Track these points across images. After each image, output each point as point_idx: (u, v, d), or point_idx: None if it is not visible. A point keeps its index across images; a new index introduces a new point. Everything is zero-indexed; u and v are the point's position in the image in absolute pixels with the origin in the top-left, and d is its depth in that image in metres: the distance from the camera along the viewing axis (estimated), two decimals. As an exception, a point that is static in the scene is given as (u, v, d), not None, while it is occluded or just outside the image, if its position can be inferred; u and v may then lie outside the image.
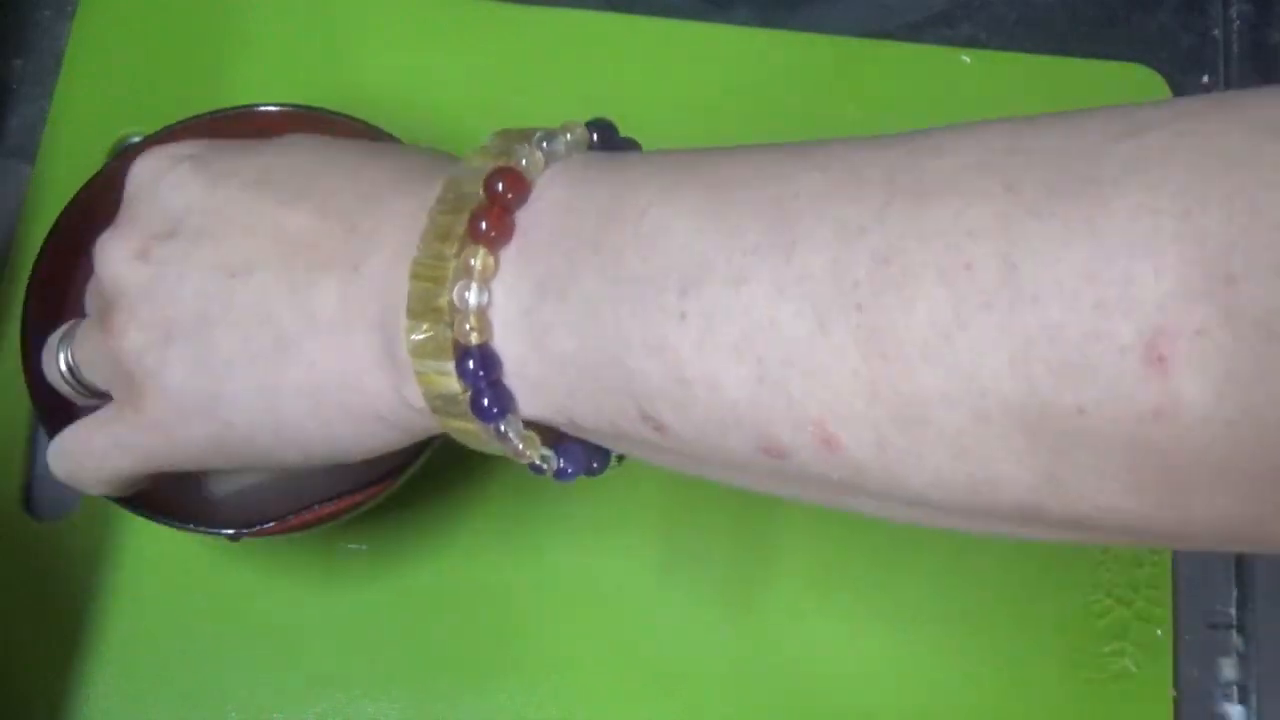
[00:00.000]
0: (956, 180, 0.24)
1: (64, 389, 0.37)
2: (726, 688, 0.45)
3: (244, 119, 0.42)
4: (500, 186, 0.28)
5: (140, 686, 0.45)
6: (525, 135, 0.30)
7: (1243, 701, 0.46)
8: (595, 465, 0.31)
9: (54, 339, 0.37)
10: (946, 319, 0.23)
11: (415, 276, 0.29)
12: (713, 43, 0.53)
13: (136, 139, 0.51)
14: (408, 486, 0.43)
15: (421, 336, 0.29)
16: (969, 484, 0.25)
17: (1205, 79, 0.53)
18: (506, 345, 0.28)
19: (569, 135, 0.30)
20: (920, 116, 0.52)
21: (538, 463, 0.30)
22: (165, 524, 0.38)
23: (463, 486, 0.47)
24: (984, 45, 0.53)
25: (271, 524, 0.38)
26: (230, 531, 0.38)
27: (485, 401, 0.28)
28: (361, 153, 0.34)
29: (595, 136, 0.31)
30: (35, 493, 0.47)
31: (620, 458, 0.32)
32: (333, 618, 0.45)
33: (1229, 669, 0.46)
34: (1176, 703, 0.45)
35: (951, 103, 0.52)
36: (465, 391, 0.29)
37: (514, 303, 0.28)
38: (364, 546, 0.46)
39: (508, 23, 0.53)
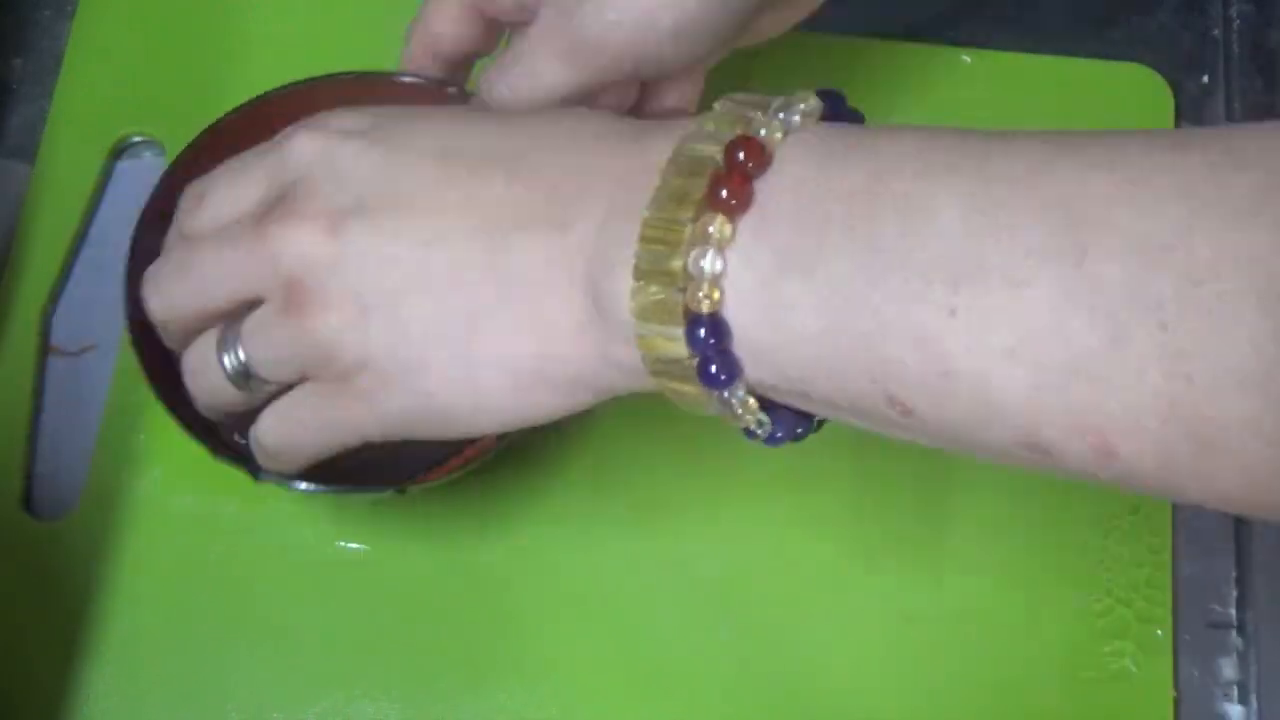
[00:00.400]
0: (1270, 199, 0.23)
1: (230, 397, 0.36)
2: (726, 688, 0.45)
3: (313, 92, 0.42)
4: (741, 155, 0.28)
5: (140, 686, 0.45)
6: (760, 103, 0.30)
7: (1243, 701, 0.46)
8: (800, 430, 0.31)
9: (204, 349, 0.36)
10: (1272, 352, 0.23)
11: (645, 239, 0.29)
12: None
13: (138, 139, 0.51)
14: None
15: (650, 299, 0.29)
16: (1250, 502, 0.25)
17: (1205, 79, 0.53)
18: (738, 314, 0.28)
19: (804, 105, 0.30)
20: (920, 117, 0.52)
21: (753, 428, 0.30)
22: (338, 491, 0.39)
23: (463, 486, 0.47)
24: (985, 45, 0.53)
25: (432, 472, 0.40)
26: (395, 487, 0.40)
27: (713, 369, 0.29)
28: (536, 118, 0.34)
29: (826, 107, 0.30)
30: (35, 492, 0.47)
31: (822, 422, 0.31)
32: (333, 617, 0.45)
33: (1229, 669, 0.46)
34: (1177, 703, 0.45)
35: (952, 103, 0.52)
36: (692, 358, 0.29)
37: (750, 274, 0.28)
38: (364, 546, 0.46)
39: (508, 23, 0.53)
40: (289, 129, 0.35)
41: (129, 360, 0.41)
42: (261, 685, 0.45)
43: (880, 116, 0.52)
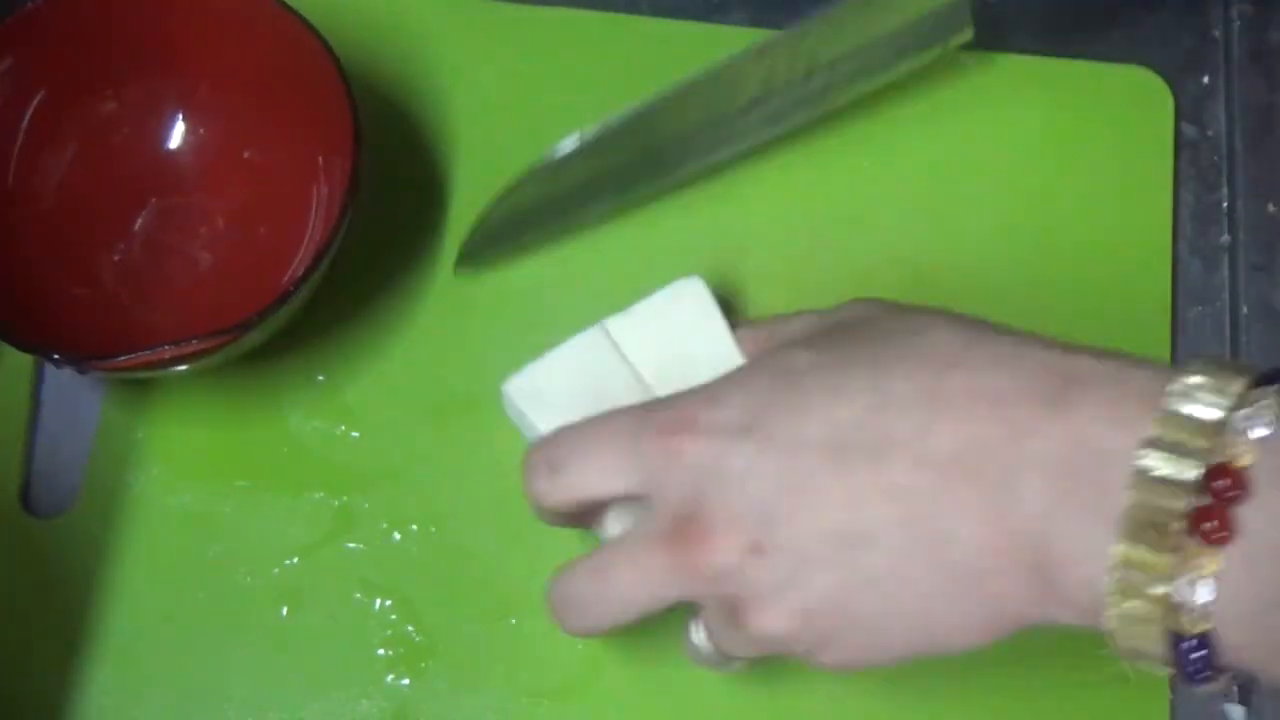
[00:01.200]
0: None
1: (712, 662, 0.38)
2: (724, 687, 0.45)
3: None
4: (1222, 484, 0.28)
5: (137, 684, 0.44)
6: (1216, 392, 0.29)
7: (1243, 702, 0.45)
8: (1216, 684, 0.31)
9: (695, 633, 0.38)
10: None
11: (1123, 563, 0.29)
12: (712, 43, 0.53)
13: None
14: (406, 487, 0.43)
15: (1127, 612, 0.29)
16: None
17: (1205, 79, 0.53)
18: (1226, 634, 0.28)
19: (1268, 414, 0.29)
20: (920, 118, 0.52)
21: (1214, 691, 0.30)
22: None
23: (460, 486, 0.47)
24: (984, 45, 0.53)
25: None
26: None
27: (1191, 671, 0.29)
28: (913, 370, 0.32)
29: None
30: (33, 490, 0.47)
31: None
32: (330, 617, 0.45)
33: (1229, 668, 0.46)
34: (1173, 706, 0.45)
35: (951, 104, 0.52)
36: (1171, 659, 0.29)
37: (1240, 605, 0.28)
38: (361, 546, 0.46)
39: (508, 23, 0.53)
40: (660, 421, 0.35)
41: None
42: (259, 684, 0.45)
43: (879, 118, 0.52)
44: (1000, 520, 0.30)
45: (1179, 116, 0.52)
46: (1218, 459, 0.28)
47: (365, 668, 0.45)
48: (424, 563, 0.46)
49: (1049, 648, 0.45)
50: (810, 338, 0.35)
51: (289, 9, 0.45)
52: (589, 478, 0.36)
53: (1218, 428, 0.29)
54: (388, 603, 0.46)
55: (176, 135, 0.49)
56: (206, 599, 0.45)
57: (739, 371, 0.36)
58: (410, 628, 0.45)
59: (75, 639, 0.45)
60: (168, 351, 0.41)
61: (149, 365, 0.42)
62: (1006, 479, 0.30)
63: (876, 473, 0.31)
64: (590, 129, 0.47)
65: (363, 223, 0.47)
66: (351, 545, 0.46)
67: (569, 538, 0.46)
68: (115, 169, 0.48)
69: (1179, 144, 0.52)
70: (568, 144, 0.47)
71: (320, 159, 0.47)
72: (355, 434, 0.47)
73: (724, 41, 0.53)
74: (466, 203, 0.50)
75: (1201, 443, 0.28)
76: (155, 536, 0.46)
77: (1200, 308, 0.50)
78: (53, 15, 0.45)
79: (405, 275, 0.49)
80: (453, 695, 0.45)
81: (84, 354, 0.42)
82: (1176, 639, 0.29)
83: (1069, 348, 0.32)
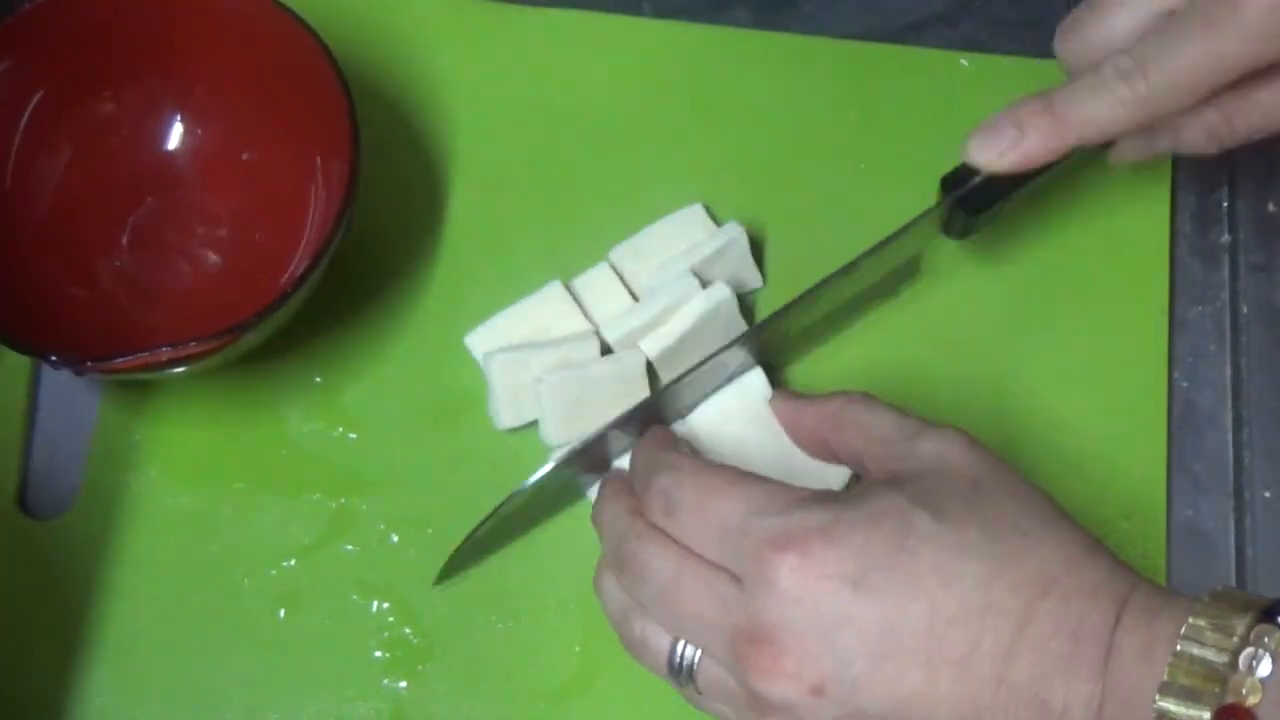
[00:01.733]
0: None
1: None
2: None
3: None
4: None
5: (135, 685, 0.45)
6: (1225, 629, 0.32)
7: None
8: None
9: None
10: None
11: None
12: (712, 44, 0.53)
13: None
14: (403, 489, 0.42)
15: None
16: None
17: (1205, 79, 0.53)
18: None
19: (1270, 642, 0.32)
20: (919, 120, 0.52)
21: None
22: None
23: (458, 488, 0.47)
24: (984, 45, 0.53)
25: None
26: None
27: None
28: (1025, 588, 0.35)
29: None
30: (31, 491, 0.47)
31: None
32: (327, 619, 0.45)
33: (1229, 669, 0.46)
34: (1169, 710, 0.45)
35: (950, 106, 0.52)
36: None
37: None
38: (359, 547, 0.46)
39: (508, 24, 0.53)
40: (774, 530, 0.35)
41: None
42: (256, 685, 0.45)
43: (880, 120, 0.52)
44: None
45: (1179, 116, 0.52)
46: (1229, 699, 0.32)
47: (362, 669, 0.45)
48: (421, 565, 0.46)
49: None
50: (927, 496, 0.36)
51: (287, 10, 0.45)
52: (689, 535, 0.37)
53: (1225, 669, 0.32)
54: (385, 605, 0.45)
55: (175, 136, 0.49)
56: (204, 600, 0.45)
57: (856, 507, 0.36)
58: (407, 630, 0.45)
59: (72, 639, 0.45)
60: (165, 353, 0.41)
61: (146, 367, 0.42)
62: (1061, 715, 0.34)
63: (957, 681, 0.34)
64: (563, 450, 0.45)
65: (360, 224, 0.47)
66: (349, 547, 0.46)
67: (566, 540, 0.46)
68: (113, 170, 0.48)
69: (1179, 144, 0.52)
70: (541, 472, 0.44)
71: (318, 160, 0.47)
72: (353, 436, 0.47)
73: (724, 43, 0.53)
74: (464, 204, 0.50)
75: (1213, 686, 0.32)
76: (153, 538, 0.46)
77: (1200, 307, 0.50)
78: (51, 17, 0.45)
79: (402, 276, 0.49)
80: (450, 697, 0.45)
81: (81, 355, 0.42)
82: None
83: (1122, 573, 0.35)
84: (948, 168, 0.44)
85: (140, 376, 0.44)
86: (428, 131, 0.51)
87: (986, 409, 0.48)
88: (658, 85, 0.52)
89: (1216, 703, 0.32)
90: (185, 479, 0.47)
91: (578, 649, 0.45)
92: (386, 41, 0.52)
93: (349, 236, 0.44)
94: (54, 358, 0.42)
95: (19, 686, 0.44)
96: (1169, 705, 0.32)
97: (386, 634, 0.45)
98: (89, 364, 0.41)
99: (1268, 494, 0.48)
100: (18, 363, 0.48)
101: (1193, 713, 0.32)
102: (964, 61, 0.53)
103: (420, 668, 0.45)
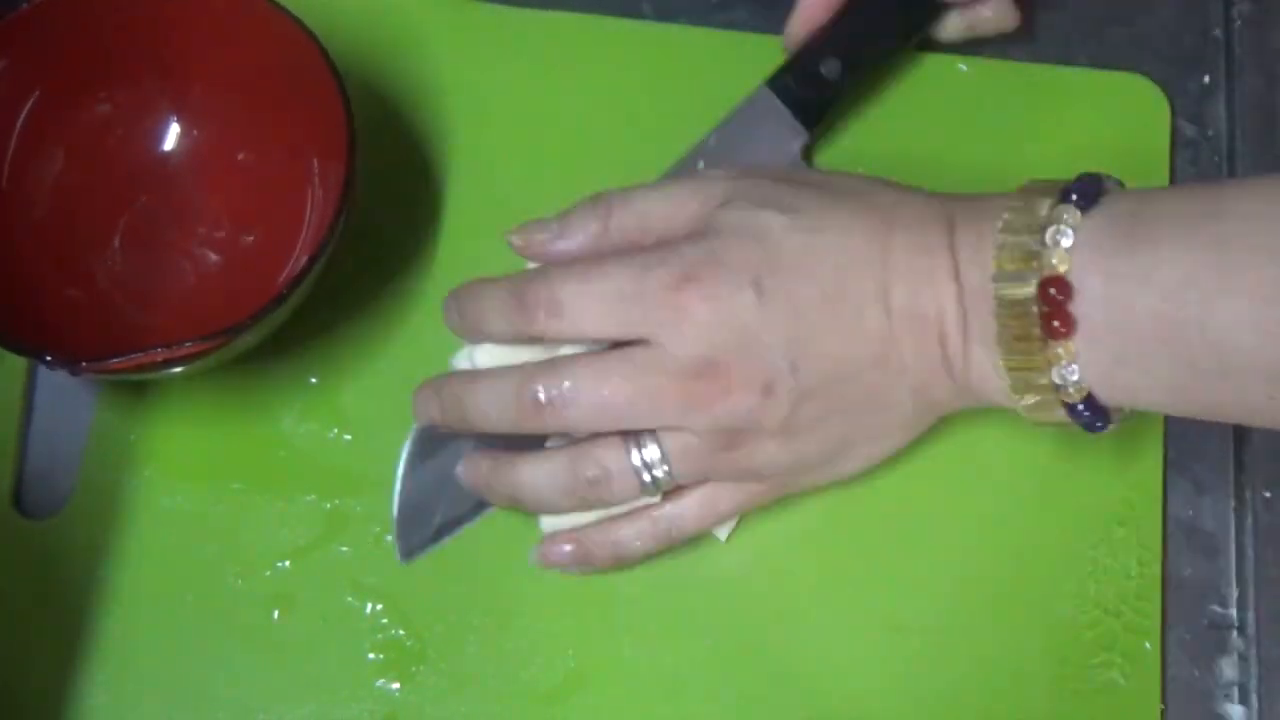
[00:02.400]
0: None
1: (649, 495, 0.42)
2: (719, 695, 0.45)
3: None
4: (1054, 292, 0.37)
5: (129, 685, 0.44)
6: (1040, 227, 0.37)
7: (1243, 702, 0.45)
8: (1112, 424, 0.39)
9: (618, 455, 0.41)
10: None
11: (1010, 368, 0.38)
12: (713, 46, 0.53)
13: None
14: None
15: (1030, 402, 0.39)
16: None
17: (1205, 79, 0.53)
18: (1098, 393, 0.38)
19: (1068, 225, 0.37)
20: (917, 124, 0.52)
21: (1099, 427, 0.39)
22: None
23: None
24: (980, 52, 0.53)
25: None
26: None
27: (1088, 424, 0.39)
28: (875, 236, 0.40)
29: (1076, 198, 0.38)
30: (26, 491, 0.47)
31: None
32: (321, 620, 0.45)
33: (1229, 669, 0.46)
34: (1164, 715, 0.45)
35: (948, 110, 0.52)
36: (1070, 422, 0.39)
37: (1096, 370, 0.37)
38: (353, 549, 0.46)
39: (507, 27, 0.53)
40: (662, 277, 0.39)
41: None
42: (250, 687, 0.44)
43: (879, 121, 0.52)
44: (935, 352, 0.40)
45: (1176, 117, 0.52)
46: (1045, 273, 0.37)
47: (356, 671, 0.45)
48: (415, 567, 0.46)
49: (1037, 660, 0.45)
50: (760, 201, 0.41)
51: (284, 11, 0.45)
52: (586, 322, 0.40)
53: (1038, 247, 0.37)
54: (379, 606, 0.45)
55: (171, 137, 0.49)
56: (198, 601, 0.45)
57: (715, 234, 0.40)
58: (401, 632, 0.45)
59: (67, 639, 0.45)
60: (161, 354, 0.41)
61: (142, 367, 0.41)
62: (938, 323, 0.40)
63: (859, 330, 0.40)
64: None
65: (356, 226, 0.47)
66: (343, 548, 0.46)
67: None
68: (110, 171, 0.48)
69: (1179, 144, 0.52)
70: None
71: (314, 162, 0.47)
72: (348, 437, 0.47)
73: (724, 45, 0.53)
74: (461, 206, 0.50)
75: (1031, 264, 0.37)
76: (148, 538, 0.46)
77: (1200, 307, 0.50)
78: (47, 18, 0.45)
79: (398, 278, 0.49)
80: (443, 699, 0.44)
81: (77, 356, 0.42)
82: (1069, 407, 0.38)
83: (940, 196, 0.42)
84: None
85: (136, 377, 0.44)
86: (425, 134, 0.51)
87: (986, 408, 0.47)
88: (658, 87, 0.52)
89: (1037, 278, 0.37)
90: (180, 480, 0.47)
91: (571, 651, 0.45)
92: (385, 44, 0.52)
93: (345, 238, 0.44)
94: (49, 358, 0.42)
95: (14, 685, 0.44)
96: (1004, 290, 0.38)
97: (380, 636, 0.45)
98: (84, 364, 0.41)
99: (1268, 494, 0.48)
100: (14, 363, 0.48)
101: (1022, 292, 0.37)
102: (962, 66, 0.53)
103: (414, 670, 0.45)
